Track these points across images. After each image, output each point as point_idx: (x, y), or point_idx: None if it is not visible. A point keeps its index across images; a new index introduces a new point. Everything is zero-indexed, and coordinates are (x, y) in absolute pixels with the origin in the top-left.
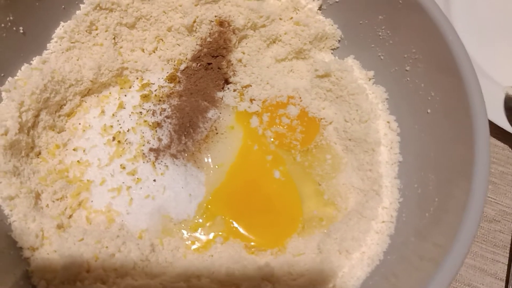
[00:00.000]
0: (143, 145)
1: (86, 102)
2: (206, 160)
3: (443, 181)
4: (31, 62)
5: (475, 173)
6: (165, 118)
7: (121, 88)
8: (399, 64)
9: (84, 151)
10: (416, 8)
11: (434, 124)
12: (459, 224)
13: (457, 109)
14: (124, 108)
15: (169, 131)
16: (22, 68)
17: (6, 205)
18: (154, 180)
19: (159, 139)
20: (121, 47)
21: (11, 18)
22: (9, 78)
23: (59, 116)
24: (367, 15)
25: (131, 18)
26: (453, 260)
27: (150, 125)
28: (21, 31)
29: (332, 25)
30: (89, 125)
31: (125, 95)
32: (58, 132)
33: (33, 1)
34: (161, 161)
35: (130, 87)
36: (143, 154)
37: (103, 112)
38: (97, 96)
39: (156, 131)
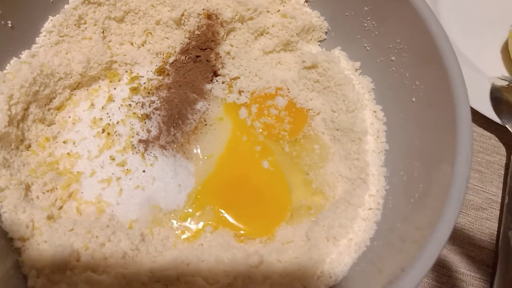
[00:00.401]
0: (132, 137)
1: (75, 95)
2: (195, 151)
3: (427, 168)
4: (20, 56)
5: (457, 158)
6: (154, 110)
7: (110, 82)
8: (385, 55)
9: (74, 143)
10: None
11: (419, 113)
12: (442, 207)
13: (441, 98)
14: (114, 101)
15: (158, 122)
16: (11, 61)
17: None
18: (144, 171)
19: (148, 131)
20: (110, 41)
21: None
22: None
23: (49, 109)
24: (353, 7)
25: (119, 12)
26: (435, 242)
27: (139, 117)
28: (10, 25)
29: (319, 17)
30: (79, 118)
31: (114, 88)
32: (48, 125)
33: None
34: (150, 152)
35: (119, 80)
36: (133, 145)
37: (92, 105)
38: (87, 90)
39: (145, 122)
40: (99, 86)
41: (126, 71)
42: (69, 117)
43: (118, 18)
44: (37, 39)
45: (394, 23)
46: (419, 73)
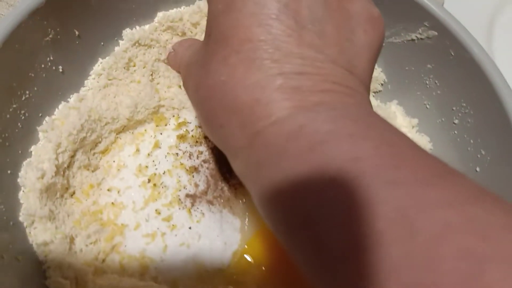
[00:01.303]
0: (179, 190)
1: (120, 139)
2: (241, 205)
3: None
4: (68, 99)
5: None
6: (202, 163)
7: (156, 126)
8: (446, 116)
9: (118, 192)
10: (469, 63)
11: (483, 184)
12: None
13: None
14: (160, 147)
15: (206, 176)
16: (60, 106)
17: (41, 251)
18: (190, 228)
19: (196, 185)
20: (158, 83)
21: (51, 58)
22: (47, 118)
23: (94, 153)
24: (414, 62)
25: None
26: None
27: (187, 170)
28: (60, 70)
29: (376, 68)
30: (124, 164)
31: (161, 133)
32: (93, 171)
33: (73, 39)
34: (197, 208)
35: (165, 125)
36: (179, 199)
37: (138, 150)
38: (132, 133)
39: (193, 176)
40: (145, 130)
41: (173, 116)
42: (114, 161)
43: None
44: (85, 81)
45: (459, 85)
46: (486, 142)
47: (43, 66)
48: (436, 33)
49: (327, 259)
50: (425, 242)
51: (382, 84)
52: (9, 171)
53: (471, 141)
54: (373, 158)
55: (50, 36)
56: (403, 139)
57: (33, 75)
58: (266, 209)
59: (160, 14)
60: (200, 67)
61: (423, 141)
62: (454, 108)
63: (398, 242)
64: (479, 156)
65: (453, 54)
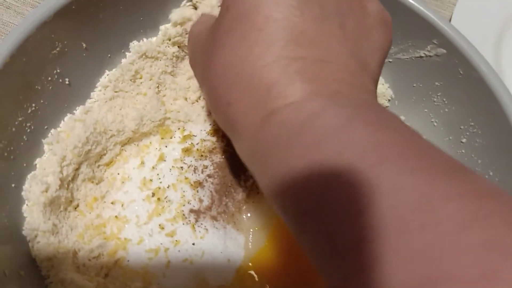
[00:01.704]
0: (184, 205)
1: (125, 151)
2: (246, 221)
3: None
4: (74, 111)
5: None
6: (207, 177)
7: (161, 138)
8: (454, 135)
9: (122, 205)
10: (478, 82)
11: None
12: None
13: None
14: (165, 160)
15: (211, 191)
16: (65, 119)
17: (43, 267)
18: (193, 244)
19: (200, 200)
20: (164, 96)
21: (58, 70)
22: (52, 130)
23: (98, 166)
24: (422, 79)
25: (176, 67)
26: None
27: (191, 184)
28: (67, 82)
29: (383, 84)
30: (128, 177)
31: (166, 146)
32: (97, 184)
33: (80, 52)
34: (201, 224)
35: (171, 138)
36: (183, 215)
37: (142, 163)
38: (137, 145)
39: (197, 191)
40: (150, 143)
41: (179, 128)
42: (118, 174)
43: (174, 73)
44: (92, 93)
45: (468, 104)
46: (494, 163)
47: (49, 78)
48: (444, 51)
49: (338, 247)
50: (449, 230)
51: (389, 100)
52: (13, 185)
53: (479, 161)
54: (394, 146)
55: (58, 49)
56: (418, 134)
57: (39, 87)
58: (275, 194)
59: (162, 28)
60: (213, 43)
61: None
62: (462, 127)
63: (421, 229)
64: (487, 177)
65: (461, 72)
